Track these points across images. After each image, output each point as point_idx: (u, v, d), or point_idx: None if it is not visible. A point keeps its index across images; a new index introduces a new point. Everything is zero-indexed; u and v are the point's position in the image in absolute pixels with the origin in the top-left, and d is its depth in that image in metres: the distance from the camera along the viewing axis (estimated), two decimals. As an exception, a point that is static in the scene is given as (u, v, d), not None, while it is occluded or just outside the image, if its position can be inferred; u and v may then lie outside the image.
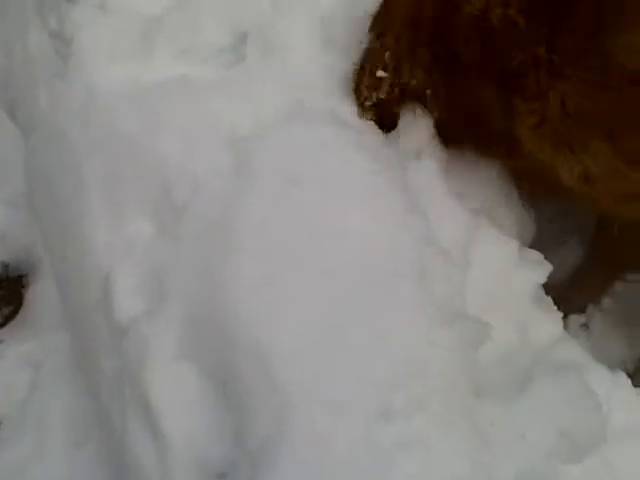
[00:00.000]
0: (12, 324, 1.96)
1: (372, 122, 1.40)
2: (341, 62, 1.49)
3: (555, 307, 1.36)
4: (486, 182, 1.44)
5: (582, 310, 1.68)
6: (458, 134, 1.39)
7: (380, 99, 1.38)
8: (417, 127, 1.43)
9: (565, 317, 1.40)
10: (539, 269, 1.34)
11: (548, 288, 1.37)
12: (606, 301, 1.71)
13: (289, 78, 1.46)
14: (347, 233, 1.19)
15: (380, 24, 1.39)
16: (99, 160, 1.52)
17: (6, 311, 1.97)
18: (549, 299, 1.37)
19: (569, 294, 1.58)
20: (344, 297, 1.14)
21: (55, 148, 1.71)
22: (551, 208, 1.66)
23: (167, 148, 1.41)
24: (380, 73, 1.36)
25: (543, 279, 1.34)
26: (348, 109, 1.41)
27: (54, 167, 1.72)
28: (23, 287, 2.03)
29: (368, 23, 1.42)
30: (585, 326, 1.67)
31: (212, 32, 1.58)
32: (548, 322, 1.34)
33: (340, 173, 1.25)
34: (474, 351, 1.17)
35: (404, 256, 1.18)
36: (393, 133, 1.42)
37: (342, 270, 1.15)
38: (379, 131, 1.40)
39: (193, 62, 1.57)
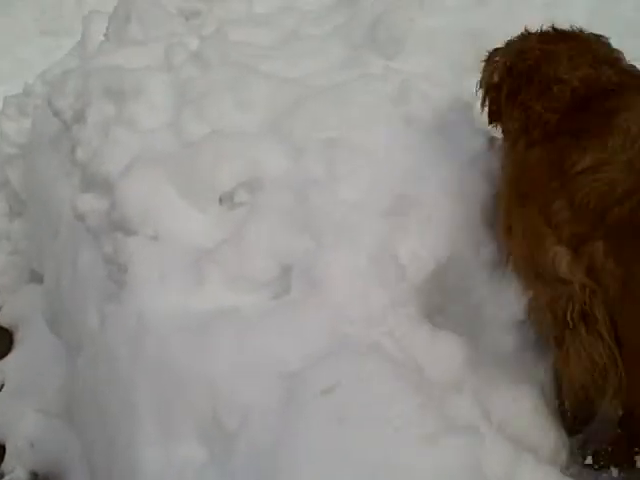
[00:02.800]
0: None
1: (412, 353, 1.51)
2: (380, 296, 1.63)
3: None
4: (523, 412, 1.52)
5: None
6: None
7: None
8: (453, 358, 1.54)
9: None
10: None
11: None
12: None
13: (333, 311, 1.58)
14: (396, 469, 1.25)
15: None
16: (149, 383, 1.61)
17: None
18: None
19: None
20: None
21: (105, 366, 1.80)
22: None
23: (217, 377, 1.49)
24: None
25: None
26: (390, 341, 1.51)
27: (102, 384, 1.81)
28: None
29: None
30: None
31: (259, 264, 1.72)
32: None
33: (385, 409, 1.33)
34: None
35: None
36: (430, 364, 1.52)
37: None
38: (419, 363, 1.49)
39: (241, 293, 1.70)
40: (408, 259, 1.67)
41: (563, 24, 2.17)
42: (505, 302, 1.66)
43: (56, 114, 2.49)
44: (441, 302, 1.71)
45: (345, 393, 1.37)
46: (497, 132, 1.82)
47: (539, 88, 1.59)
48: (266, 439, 1.36)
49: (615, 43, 1.76)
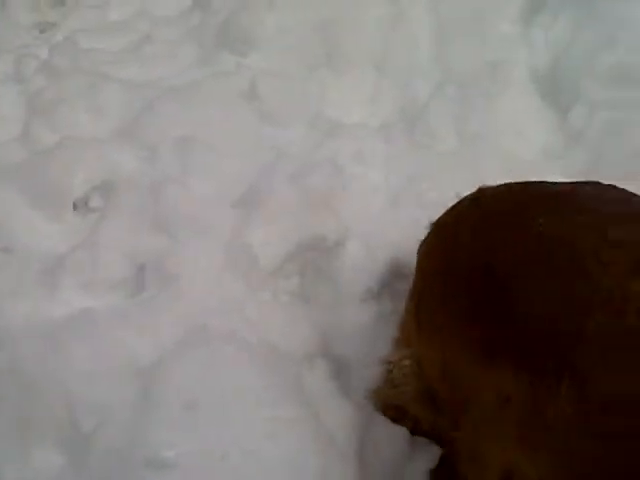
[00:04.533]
0: None
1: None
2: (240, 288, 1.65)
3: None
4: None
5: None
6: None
7: None
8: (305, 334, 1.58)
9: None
10: (429, 454, 1.43)
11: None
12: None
13: (188, 304, 1.59)
14: (247, 451, 1.27)
15: None
16: (4, 395, 1.57)
17: None
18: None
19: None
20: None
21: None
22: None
23: (72, 380, 1.47)
24: None
25: (432, 465, 1.43)
26: (246, 327, 1.54)
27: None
28: None
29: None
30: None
31: (113, 266, 1.71)
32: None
33: (235, 393, 1.35)
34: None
35: (305, 463, 1.26)
36: (287, 342, 1.55)
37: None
38: (271, 343, 1.52)
39: (95, 295, 1.68)
40: (260, 246, 1.70)
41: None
42: (360, 275, 1.73)
43: None
44: (298, 283, 1.75)
45: (197, 381, 1.38)
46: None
47: None
48: (121, 436, 1.35)
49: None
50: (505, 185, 1.39)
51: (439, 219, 1.43)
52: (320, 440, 1.32)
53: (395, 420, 1.45)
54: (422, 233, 1.80)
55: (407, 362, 1.36)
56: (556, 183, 1.37)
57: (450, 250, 1.31)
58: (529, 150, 2.14)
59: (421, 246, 1.45)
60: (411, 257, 1.77)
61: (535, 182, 1.38)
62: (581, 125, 2.15)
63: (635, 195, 1.28)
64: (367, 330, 1.68)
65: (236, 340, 1.50)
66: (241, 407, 1.34)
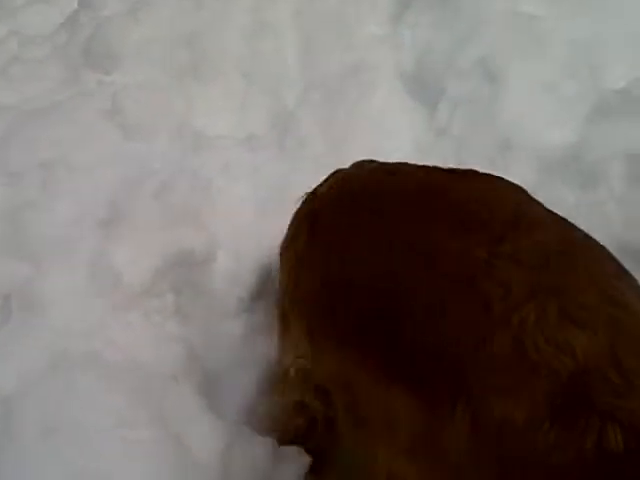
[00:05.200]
0: None
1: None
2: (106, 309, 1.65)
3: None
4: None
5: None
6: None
7: None
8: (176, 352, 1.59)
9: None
10: (297, 463, 1.46)
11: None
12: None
13: (52, 330, 1.58)
14: (103, 473, 1.28)
15: None
16: None
17: None
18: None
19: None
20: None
21: None
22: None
23: None
24: None
25: (302, 472, 1.47)
26: (110, 349, 1.54)
27: None
28: None
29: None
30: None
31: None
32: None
33: (94, 415, 1.35)
34: None
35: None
36: (155, 361, 1.56)
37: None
38: (138, 364, 1.53)
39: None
40: (125, 265, 1.69)
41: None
42: (232, 287, 1.75)
43: None
44: (171, 301, 1.75)
45: (56, 405, 1.38)
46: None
47: None
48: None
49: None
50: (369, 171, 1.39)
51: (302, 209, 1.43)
52: (179, 460, 1.33)
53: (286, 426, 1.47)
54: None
55: (301, 362, 1.35)
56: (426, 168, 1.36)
57: (323, 257, 1.28)
58: (400, 148, 2.18)
59: (289, 240, 1.44)
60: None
61: (405, 165, 1.37)
62: (446, 120, 2.21)
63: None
64: (240, 343, 1.70)
65: (99, 362, 1.50)
66: (100, 429, 1.34)
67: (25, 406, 1.41)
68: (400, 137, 2.21)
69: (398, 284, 1.13)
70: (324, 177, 1.98)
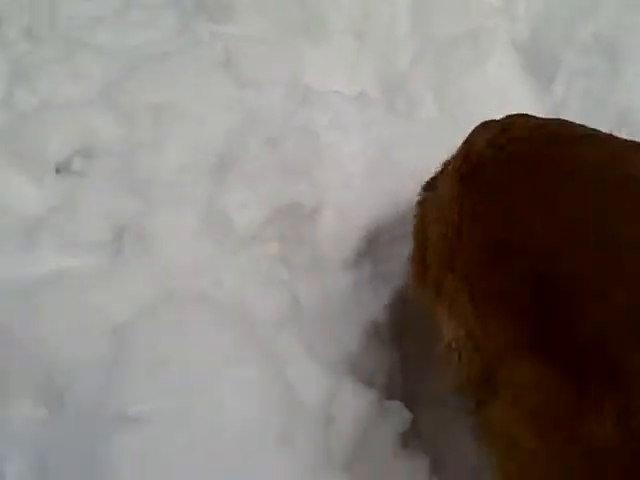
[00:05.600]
0: None
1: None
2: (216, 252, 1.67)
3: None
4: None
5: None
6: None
7: None
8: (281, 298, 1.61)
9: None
10: (399, 418, 1.46)
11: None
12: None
13: (161, 267, 1.61)
14: (213, 408, 1.30)
15: None
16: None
17: None
18: (411, 447, 1.49)
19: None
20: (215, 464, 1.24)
21: None
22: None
23: (48, 338, 1.50)
24: None
25: (403, 428, 1.47)
26: (218, 291, 1.56)
27: None
28: None
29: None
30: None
31: (91, 228, 1.73)
32: (411, 470, 1.46)
33: (204, 352, 1.38)
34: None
35: (268, 422, 1.30)
36: (261, 306, 1.58)
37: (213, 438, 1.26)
38: (245, 306, 1.55)
39: (73, 256, 1.71)
40: (236, 211, 1.71)
41: None
42: (337, 243, 1.75)
43: None
44: (276, 249, 1.77)
45: (166, 339, 1.41)
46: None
47: None
48: (94, 392, 1.39)
49: None
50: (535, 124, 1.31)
51: (457, 165, 1.34)
52: (285, 401, 1.35)
53: None
54: (398, 202, 1.81)
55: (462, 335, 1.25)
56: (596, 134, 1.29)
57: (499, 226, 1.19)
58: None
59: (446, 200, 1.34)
60: (389, 226, 1.80)
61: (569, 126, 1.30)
62: (563, 94, 2.17)
63: None
64: (344, 297, 1.71)
65: (207, 302, 1.53)
66: (209, 365, 1.37)
67: (136, 336, 1.45)
68: (513, 108, 2.17)
69: (563, 261, 1.09)
70: (433, 140, 1.95)
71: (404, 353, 1.68)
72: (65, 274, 1.64)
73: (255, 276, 1.66)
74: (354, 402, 1.44)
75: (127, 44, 2.24)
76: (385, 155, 1.90)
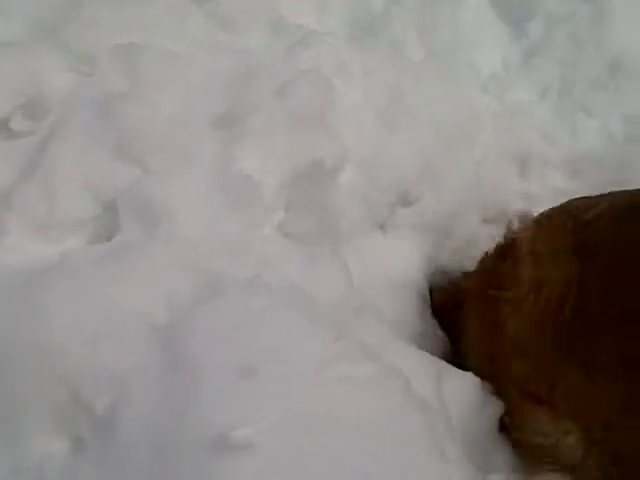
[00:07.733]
0: None
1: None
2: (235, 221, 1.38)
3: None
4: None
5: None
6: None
7: None
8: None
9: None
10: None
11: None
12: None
13: (186, 248, 1.30)
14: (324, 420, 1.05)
15: None
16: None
17: None
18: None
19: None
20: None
21: None
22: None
23: (63, 345, 1.15)
24: None
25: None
26: (267, 271, 1.28)
27: None
28: None
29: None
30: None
31: (71, 204, 1.38)
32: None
33: (289, 352, 1.11)
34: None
35: (394, 422, 1.07)
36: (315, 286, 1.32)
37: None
38: (304, 290, 1.28)
39: (54, 242, 1.35)
40: (256, 173, 1.43)
41: None
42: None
43: None
44: (292, 217, 1.51)
45: (243, 337, 1.12)
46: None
47: None
48: (152, 412, 1.07)
49: None
50: None
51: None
52: (404, 396, 1.12)
53: None
54: (422, 156, 1.65)
55: None
56: None
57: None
58: (489, 63, 2.04)
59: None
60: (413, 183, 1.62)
61: None
62: (539, 38, 2.08)
63: None
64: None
65: (261, 288, 1.24)
66: (304, 368, 1.10)
67: (188, 338, 1.15)
68: (488, 52, 2.07)
69: None
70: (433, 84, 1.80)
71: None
72: (55, 265, 1.28)
73: (296, 249, 1.40)
74: (459, 385, 1.26)
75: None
76: (393, 101, 1.70)
